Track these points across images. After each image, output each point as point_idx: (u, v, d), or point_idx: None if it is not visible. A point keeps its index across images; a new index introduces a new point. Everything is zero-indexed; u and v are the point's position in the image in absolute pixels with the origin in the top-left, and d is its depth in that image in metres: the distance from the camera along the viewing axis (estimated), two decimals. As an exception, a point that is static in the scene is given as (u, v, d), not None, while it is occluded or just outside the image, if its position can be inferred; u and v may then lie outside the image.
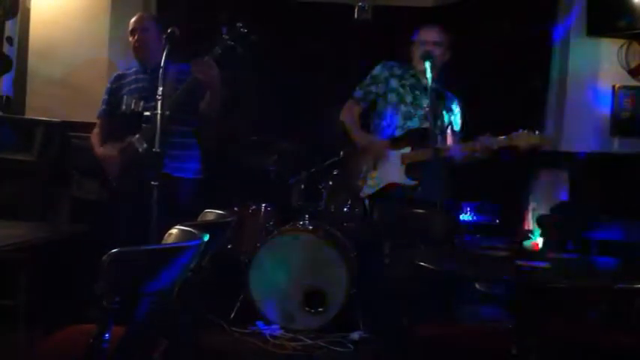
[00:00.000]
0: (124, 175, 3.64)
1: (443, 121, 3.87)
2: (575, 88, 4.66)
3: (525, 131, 3.36)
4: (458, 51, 3.97)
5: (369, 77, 3.98)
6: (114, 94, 3.84)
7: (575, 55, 4.64)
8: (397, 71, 3.93)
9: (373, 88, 3.94)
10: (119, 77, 3.89)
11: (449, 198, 3.82)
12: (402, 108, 3.87)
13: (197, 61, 3.46)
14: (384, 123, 3.91)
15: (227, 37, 3.47)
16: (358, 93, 3.99)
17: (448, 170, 3.81)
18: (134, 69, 3.86)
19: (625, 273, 2.76)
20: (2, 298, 3.22)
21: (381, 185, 3.82)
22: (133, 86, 3.77)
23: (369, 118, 4.03)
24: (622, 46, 4.54)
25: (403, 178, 3.77)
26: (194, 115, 3.68)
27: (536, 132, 3.36)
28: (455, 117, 3.93)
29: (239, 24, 3.50)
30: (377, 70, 3.97)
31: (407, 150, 3.79)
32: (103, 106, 3.90)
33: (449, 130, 3.90)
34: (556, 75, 4.77)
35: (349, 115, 4.00)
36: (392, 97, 3.90)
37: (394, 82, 3.91)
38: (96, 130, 3.89)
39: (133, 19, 3.81)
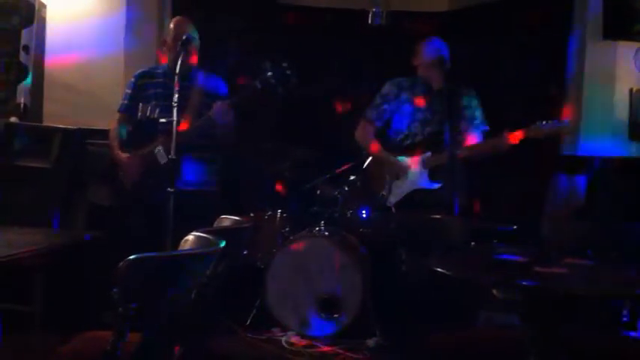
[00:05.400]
0: (140, 183, 3.63)
1: (462, 119, 3.88)
2: (591, 92, 4.62)
3: (543, 122, 3.52)
4: (472, 56, 3.97)
5: (378, 97, 4.03)
6: (139, 90, 3.75)
7: (592, 59, 4.60)
8: (405, 84, 3.99)
9: (386, 107, 3.99)
10: (145, 75, 3.81)
11: (469, 204, 3.83)
12: (419, 115, 3.91)
13: (218, 104, 3.52)
14: (401, 136, 3.94)
15: (270, 74, 3.49)
16: (371, 114, 4.03)
17: (469, 176, 3.84)
18: (161, 71, 3.78)
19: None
20: (19, 304, 3.23)
21: (408, 192, 3.85)
22: (159, 90, 3.68)
23: (385, 137, 4.03)
24: (639, 49, 4.50)
25: (428, 182, 3.81)
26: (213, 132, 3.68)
27: (553, 121, 3.53)
28: (474, 112, 3.94)
29: (284, 64, 3.52)
30: (386, 88, 4.02)
31: (428, 154, 3.82)
32: (125, 101, 3.80)
33: (470, 127, 3.90)
34: (573, 79, 4.73)
35: (365, 134, 4.03)
36: (406, 108, 3.94)
37: (405, 95, 3.95)
38: (115, 126, 3.80)
39: (182, 25, 3.69)
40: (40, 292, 3.25)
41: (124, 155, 3.69)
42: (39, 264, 3.11)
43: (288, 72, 3.51)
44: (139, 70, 3.88)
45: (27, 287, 3.22)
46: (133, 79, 3.82)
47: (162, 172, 3.43)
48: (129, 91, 3.80)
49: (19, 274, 3.01)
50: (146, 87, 3.75)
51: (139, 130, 3.70)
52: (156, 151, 3.56)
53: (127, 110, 3.78)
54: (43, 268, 3.19)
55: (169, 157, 3.32)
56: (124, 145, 3.72)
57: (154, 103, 3.66)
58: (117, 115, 3.83)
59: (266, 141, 4.73)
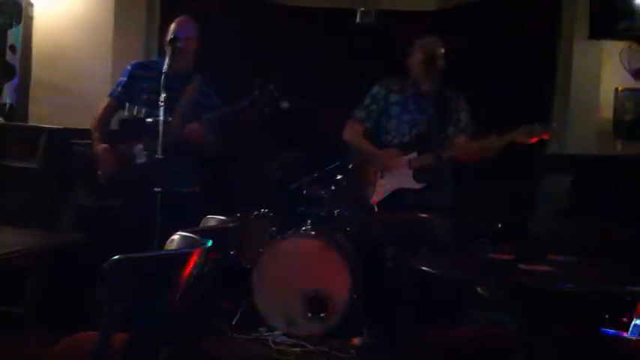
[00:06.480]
0: (113, 178, 3.58)
1: (450, 123, 3.89)
2: (578, 90, 4.65)
3: (530, 125, 3.49)
4: (460, 55, 3.97)
5: (368, 97, 4.02)
6: (133, 80, 3.70)
7: (578, 58, 4.64)
8: (395, 86, 3.98)
9: (374, 107, 3.98)
10: (142, 65, 3.78)
11: (454, 202, 3.84)
12: (407, 116, 3.91)
13: (190, 126, 3.53)
14: (389, 137, 3.93)
15: (257, 93, 3.52)
16: (360, 114, 4.01)
17: (454, 174, 3.85)
18: (157, 65, 3.66)
19: (630, 275, 2.75)
20: (10, 305, 3.22)
21: (391, 191, 3.86)
22: (153, 84, 3.53)
23: (373, 138, 4.03)
24: (624, 48, 4.53)
25: (412, 183, 3.81)
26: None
27: (538, 124, 3.52)
28: (461, 115, 3.95)
29: (272, 86, 3.54)
30: (375, 89, 4.02)
31: (414, 155, 3.83)
32: (118, 88, 3.73)
33: (458, 130, 3.91)
34: (559, 78, 4.76)
35: (353, 133, 4.02)
36: (395, 109, 3.94)
37: (394, 97, 3.95)
38: (100, 113, 3.73)
39: (179, 24, 3.68)
40: (31, 293, 3.24)
41: (101, 146, 3.63)
42: (30, 264, 3.10)
43: (276, 95, 3.53)
44: (137, 60, 3.87)
45: (18, 289, 3.21)
46: (129, 67, 3.75)
47: (139, 170, 3.43)
48: (123, 79, 3.73)
49: (10, 276, 2.99)
50: (141, 78, 3.69)
51: (125, 128, 3.68)
52: (135, 149, 3.55)
53: (118, 97, 3.72)
54: (35, 269, 3.18)
55: (156, 156, 3.31)
56: (108, 142, 3.68)
57: (145, 97, 3.60)
58: (106, 101, 3.77)
59: (253, 141, 4.73)
